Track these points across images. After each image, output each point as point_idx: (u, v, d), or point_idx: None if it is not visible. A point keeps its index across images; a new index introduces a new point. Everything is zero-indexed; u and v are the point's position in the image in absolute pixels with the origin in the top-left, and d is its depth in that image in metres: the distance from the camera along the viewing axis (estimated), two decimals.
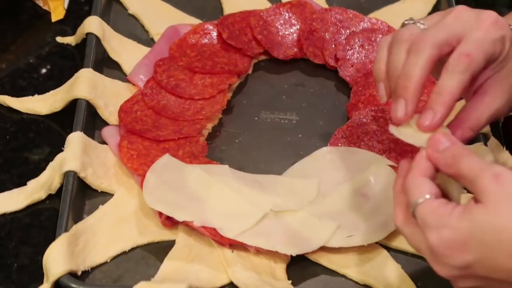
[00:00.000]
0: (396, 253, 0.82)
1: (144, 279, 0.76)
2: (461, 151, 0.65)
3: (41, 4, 1.04)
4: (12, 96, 0.93)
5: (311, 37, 0.99)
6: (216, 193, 0.81)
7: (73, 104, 0.90)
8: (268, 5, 1.04)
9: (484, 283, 0.64)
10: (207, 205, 0.80)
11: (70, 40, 1.00)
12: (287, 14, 1.01)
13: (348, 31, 1.00)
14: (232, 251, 0.79)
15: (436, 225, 0.63)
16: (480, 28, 0.71)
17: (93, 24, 0.97)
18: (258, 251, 0.79)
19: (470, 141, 0.89)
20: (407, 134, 0.71)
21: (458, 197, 0.67)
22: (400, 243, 0.82)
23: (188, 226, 0.80)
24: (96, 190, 0.85)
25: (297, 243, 0.79)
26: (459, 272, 0.63)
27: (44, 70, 0.98)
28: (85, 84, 0.90)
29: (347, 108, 0.94)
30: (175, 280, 0.76)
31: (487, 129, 0.90)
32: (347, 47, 0.99)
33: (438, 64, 0.72)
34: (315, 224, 0.80)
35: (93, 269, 0.78)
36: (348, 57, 0.98)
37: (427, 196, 0.65)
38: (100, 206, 0.83)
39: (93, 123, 0.90)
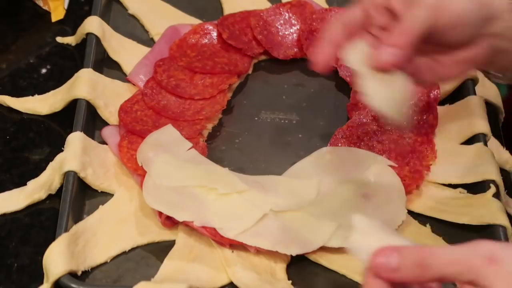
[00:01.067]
0: None
1: (144, 279, 0.76)
2: (420, 251, 0.56)
3: (41, 4, 1.04)
4: (12, 96, 0.93)
5: (311, 37, 0.99)
6: (216, 192, 0.81)
7: (73, 104, 0.90)
8: (268, 5, 1.04)
9: None
10: (207, 205, 0.80)
11: (70, 40, 1.00)
12: (287, 14, 1.01)
13: None
14: (232, 251, 0.79)
15: None
16: None
17: (93, 24, 0.97)
18: (258, 251, 0.79)
19: (470, 142, 0.89)
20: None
21: None
22: None
23: (188, 226, 0.80)
24: (96, 190, 0.85)
25: (297, 243, 0.79)
26: None
27: (44, 70, 0.98)
28: (85, 84, 0.90)
29: (347, 108, 0.94)
30: (175, 280, 0.76)
31: (487, 129, 0.90)
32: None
33: None
34: (315, 224, 0.80)
35: (93, 269, 0.78)
36: None
37: None
38: (100, 206, 0.83)
39: (93, 123, 0.90)
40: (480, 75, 0.95)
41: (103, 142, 0.88)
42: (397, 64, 0.70)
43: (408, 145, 0.89)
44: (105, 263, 0.79)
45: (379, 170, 0.85)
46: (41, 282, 0.76)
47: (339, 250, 0.80)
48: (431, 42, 0.73)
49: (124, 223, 0.82)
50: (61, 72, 0.97)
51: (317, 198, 0.83)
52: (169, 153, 0.84)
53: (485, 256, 0.54)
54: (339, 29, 0.74)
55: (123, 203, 0.83)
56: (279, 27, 1.01)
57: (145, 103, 0.91)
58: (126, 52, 0.98)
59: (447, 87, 0.95)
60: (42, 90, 0.94)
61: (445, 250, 0.56)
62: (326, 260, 0.80)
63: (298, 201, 0.82)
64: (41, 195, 0.84)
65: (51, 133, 0.91)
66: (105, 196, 0.84)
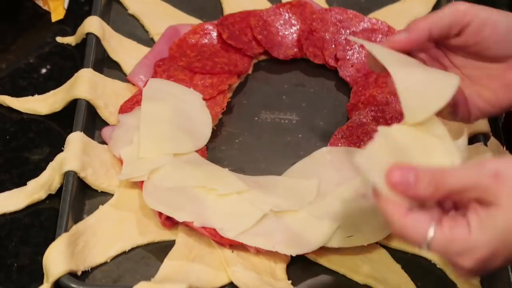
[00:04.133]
0: (396, 253, 0.82)
1: (144, 279, 0.76)
2: (434, 172, 0.61)
3: (41, 4, 1.04)
4: (12, 96, 0.93)
5: (311, 37, 0.99)
6: (215, 193, 0.81)
7: (73, 104, 0.90)
8: (268, 5, 1.04)
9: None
10: (207, 205, 0.80)
11: (70, 40, 1.00)
12: (287, 14, 1.01)
13: (348, 31, 1.00)
14: (232, 251, 0.79)
15: (462, 251, 0.60)
16: None
17: (93, 24, 0.97)
18: (258, 251, 0.79)
19: (470, 142, 0.89)
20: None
21: None
22: (400, 243, 0.82)
23: (188, 226, 0.80)
24: (96, 190, 0.85)
25: (297, 243, 0.79)
26: (482, 271, 0.62)
27: (44, 70, 0.98)
28: (85, 84, 0.90)
29: (347, 108, 0.94)
30: (175, 280, 0.76)
31: (487, 129, 0.90)
32: (347, 47, 0.99)
33: None
34: (315, 224, 0.80)
35: (93, 269, 0.78)
36: (348, 57, 0.98)
37: (431, 232, 0.61)
38: (100, 206, 0.83)
39: (93, 123, 0.90)
40: None
41: (103, 142, 0.88)
42: (404, 44, 0.73)
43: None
44: (105, 263, 0.79)
45: None
46: (41, 282, 0.76)
47: (339, 250, 0.80)
48: (476, 57, 0.75)
49: (124, 223, 0.82)
50: (61, 72, 0.97)
51: (317, 198, 0.83)
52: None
53: (491, 173, 0.59)
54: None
55: (123, 203, 0.83)
56: (279, 27, 1.01)
57: None
58: (126, 52, 0.98)
59: None
60: (42, 90, 0.94)
61: (455, 170, 0.61)
62: (326, 260, 0.80)
63: (298, 201, 0.82)
64: (41, 195, 0.84)
65: (51, 133, 0.91)
66: (105, 196, 0.84)
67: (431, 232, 0.61)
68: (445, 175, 0.61)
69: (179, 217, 0.79)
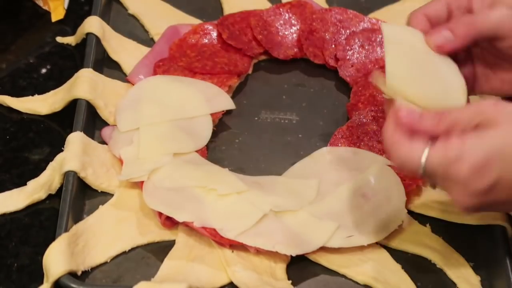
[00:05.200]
0: (396, 253, 0.82)
1: (144, 279, 0.76)
2: (439, 110, 0.67)
3: (41, 4, 1.04)
4: (12, 96, 0.93)
5: (311, 37, 0.99)
6: (215, 193, 0.81)
7: (73, 104, 0.90)
8: (268, 5, 1.04)
9: (497, 206, 0.68)
10: (207, 205, 0.80)
11: (70, 40, 1.00)
12: (287, 14, 1.01)
13: (348, 31, 1.00)
14: (232, 251, 0.79)
15: (456, 157, 0.63)
16: None
17: (93, 24, 0.97)
18: (258, 251, 0.79)
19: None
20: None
21: None
22: (400, 243, 0.82)
23: (188, 226, 0.80)
24: (96, 190, 0.85)
25: (297, 243, 0.79)
26: (480, 198, 0.65)
27: (44, 70, 0.98)
28: (85, 84, 0.90)
29: (347, 108, 0.94)
30: (175, 280, 0.76)
31: None
32: (347, 47, 0.99)
33: None
34: (315, 224, 0.80)
35: (93, 269, 0.78)
36: (348, 57, 0.98)
37: (426, 151, 0.65)
38: (100, 206, 0.83)
39: (93, 123, 0.90)
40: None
41: (103, 142, 0.88)
42: (444, 48, 0.74)
43: None
44: (105, 263, 0.79)
45: (379, 170, 0.85)
46: (41, 282, 0.76)
47: (339, 250, 0.80)
48: (500, 50, 0.75)
49: (124, 223, 0.82)
50: (61, 72, 0.97)
51: (317, 198, 0.83)
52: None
53: (491, 103, 0.65)
54: (422, 20, 0.76)
55: (123, 203, 0.83)
56: (279, 27, 1.01)
57: None
58: (126, 52, 0.98)
59: None
60: (42, 90, 0.94)
61: (458, 108, 0.68)
62: (326, 260, 0.80)
63: (298, 201, 0.82)
64: (41, 195, 0.84)
65: (51, 133, 0.91)
66: (105, 196, 0.84)
67: (426, 150, 0.65)
68: (449, 111, 0.66)
69: (179, 217, 0.79)
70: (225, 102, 0.92)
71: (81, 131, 0.86)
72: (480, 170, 0.63)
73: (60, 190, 0.83)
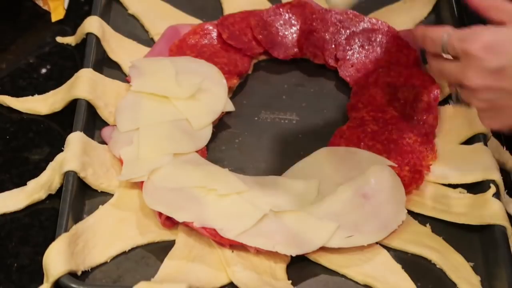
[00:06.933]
0: (396, 253, 0.82)
1: (144, 279, 0.76)
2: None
3: (41, 4, 1.04)
4: (12, 96, 0.93)
5: (311, 37, 0.99)
6: (215, 193, 0.81)
7: (73, 104, 0.90)
8: (268, 5, 1.04)
9: (503, 97, 0.72)
10: (207, 205, 0.80)
11: (70, 40, 1.00)
12: (287, 15, 1.01)
13: (348, 31, 1.00)
14: (232, 251, 0.79)
15: (470, 34, 0.71)
16: None
17: (93, 24, 0.97)
18: (258, 251, 0.79)
19: (470, 142, 0.90)
20: None
21: None
22: (400, 243, 0.82)
23: (188, 226, 0.80)
24: (96, 190, 0.85)
25: (297, 243, 0.79)
26: (490, 80, 0.71)
27: (44, 70, 0.98)
28: (85, 84, 0.90)
29: (347, 108, 0.94)
30: (175, 280, 0.76)
31: (487, 129, 0.90)
32: (347, 47, 0.99)
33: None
34: (315, 224, 0.80)
35: (93, 269, 0.78)
36: (348, 57, 0.98)
37: (450, 30, 0.73)
38: (100, 206, 0.83)
39: (93, 123, 0.90)
40: None
41: (103, 142, 0.88)
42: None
43: (408, 145, 0.89)
44: (105, 263, 0.79)
45: (379, 170, 0.85)
46: (41, 282, 0.76)
47: (339, 250, 0.80)
48: None
49: (124, 223, 0.82)
50: (61, 72, 0.97)
51: (317, 198, 0.83)
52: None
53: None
54: None
55: (123, 203, 0.83)
56: (279, 27, 1.01)
57: None
58: (126, 52, 0.98)
59: (447, 88, 0.95)
60: (42, 90, 0.94)
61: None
62: (326, 260, 0.80)
63: (298, 201, 0.82)
64: (41, 195, 0.84)
65: (51, 133, 0.91)
66: (105, 196, 0.84)
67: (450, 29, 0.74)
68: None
69: (179, 217, 0.79)
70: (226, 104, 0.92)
71: (81, 131, 0.86)
72: (492, 50, 0.70)
73: (60, 190, 0.83)
